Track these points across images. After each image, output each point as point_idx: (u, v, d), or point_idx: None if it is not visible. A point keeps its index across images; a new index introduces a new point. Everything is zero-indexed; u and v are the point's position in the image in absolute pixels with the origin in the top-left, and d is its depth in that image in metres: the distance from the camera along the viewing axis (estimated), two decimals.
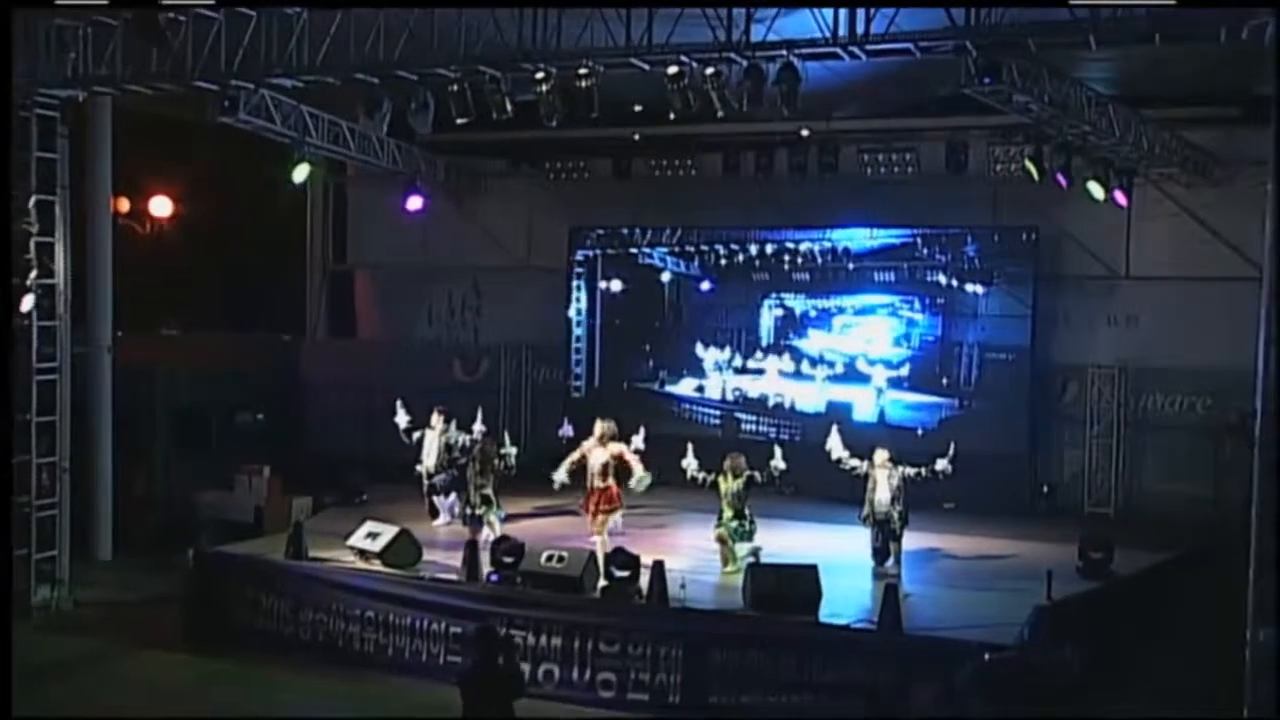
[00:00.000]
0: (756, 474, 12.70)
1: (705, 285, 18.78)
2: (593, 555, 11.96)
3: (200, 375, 19.18)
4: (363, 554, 12.66)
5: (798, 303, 18.28)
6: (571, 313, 19.01)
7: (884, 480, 12.97)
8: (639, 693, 11.16)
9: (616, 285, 19.14)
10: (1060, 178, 14.69)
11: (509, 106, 12.26)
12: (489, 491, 13.55)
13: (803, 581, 11.30)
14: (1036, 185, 15.92)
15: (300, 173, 14.67)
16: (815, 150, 17.15)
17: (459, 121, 12.22)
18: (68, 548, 14.24)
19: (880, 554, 12.98)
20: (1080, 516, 16.32)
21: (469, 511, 13.57)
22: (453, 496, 14.57)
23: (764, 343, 18.50)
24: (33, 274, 13.51)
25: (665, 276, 18.95)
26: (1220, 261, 15.77)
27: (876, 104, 16.46)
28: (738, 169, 17.64)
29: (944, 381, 17.46)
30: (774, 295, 18.40)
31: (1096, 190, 14.95)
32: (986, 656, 9.81)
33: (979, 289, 17.06)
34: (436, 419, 14.75)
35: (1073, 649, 11.23)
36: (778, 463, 12.73)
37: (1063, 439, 17.25)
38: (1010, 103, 12.35)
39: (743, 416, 18.36)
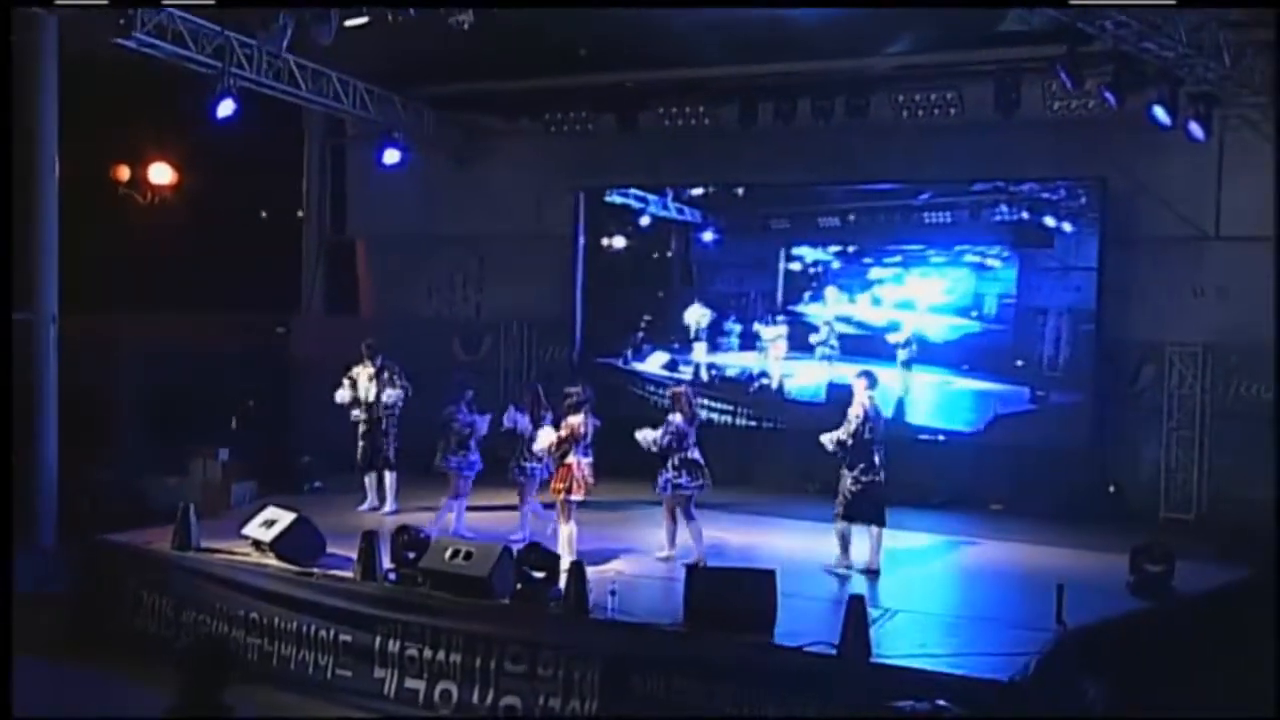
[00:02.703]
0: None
1: (713, 241, 16.52)
2: (507, 552, 9.82)
3: (178, 354, 17.65)
4: (256, 545, 10.77)
5: (819, 259, 15.85)
6: (579, 282, 16.97)
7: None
8: None
9: (620, 242, 17.08)
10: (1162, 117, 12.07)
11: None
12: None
13: (752, 591, 9.02)
14: (1105, 128, 13.46)
15: (225, 108, 12.84)
16: (843, 94, 14.80)
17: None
18: None
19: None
20: (1153, 522, 13.64)
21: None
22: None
23: (764, 311, 16.15)
24: None
25: (673, 234, 16.80)
26: None
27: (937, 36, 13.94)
28: (755, 117, 15.33)
29: (1016, 364, 14.62)
30: (794, 257, 16.02)
31: (1161, 115, 12.26)
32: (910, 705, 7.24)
33: (1035, 251, 14.46)
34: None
35: (1097, 684, 8.71)
36: None
37: (1135, 431, 14.51)
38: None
39: (715, 402, 16.01)
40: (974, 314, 14.95)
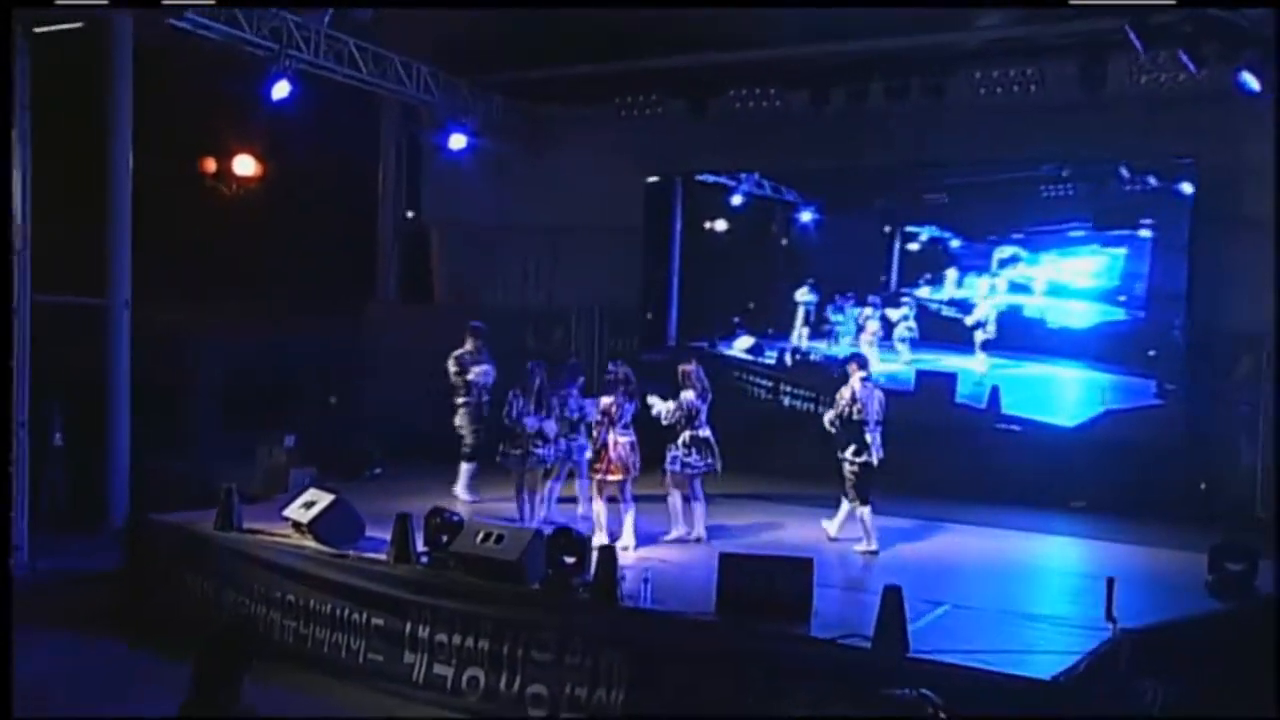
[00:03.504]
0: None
1: (813, 222, 16.02)
2: (539, 536, 9.51)
3: (255, 342, 17.76)
4: (296, 526, 10.63)
5: (937, 238, 15.27)
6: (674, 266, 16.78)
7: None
8: (573, 713, 8.67)
9: (719, 225, 16.76)
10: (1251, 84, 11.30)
11: None
12: None
13: (787, 580, 8.57)
14: (1198, 102, 12.67)
15: (280, 90, 12.76)
16: (919, 74, 14.22)
17: None
18: (25, 511, 12.78)
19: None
20: (1247, 522, 12.77)
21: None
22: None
23: (868, 295, 15.61)
24: None
25: (770, 215, 16.40)
26: None
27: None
28: (829, 99, 14.82)
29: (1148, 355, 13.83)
30: (910, 236, 15.46)
31: (1251, 81, 11.45)
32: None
33: (1126, 233, 13.70)
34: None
35: (1160, 685, 8.06)
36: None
37: (1230, 426, 13.63)
38: None
39: (796, 388, 15.50)
40: (1109, 299, 14.18)
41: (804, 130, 15.27)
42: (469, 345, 13.49)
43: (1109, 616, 7.75)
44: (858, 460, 10.86)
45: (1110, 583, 7.84)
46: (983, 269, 14.92)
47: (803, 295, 16.04)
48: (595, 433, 10.91)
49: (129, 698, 9.19)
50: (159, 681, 9.50)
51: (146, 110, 15.18)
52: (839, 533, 11.27)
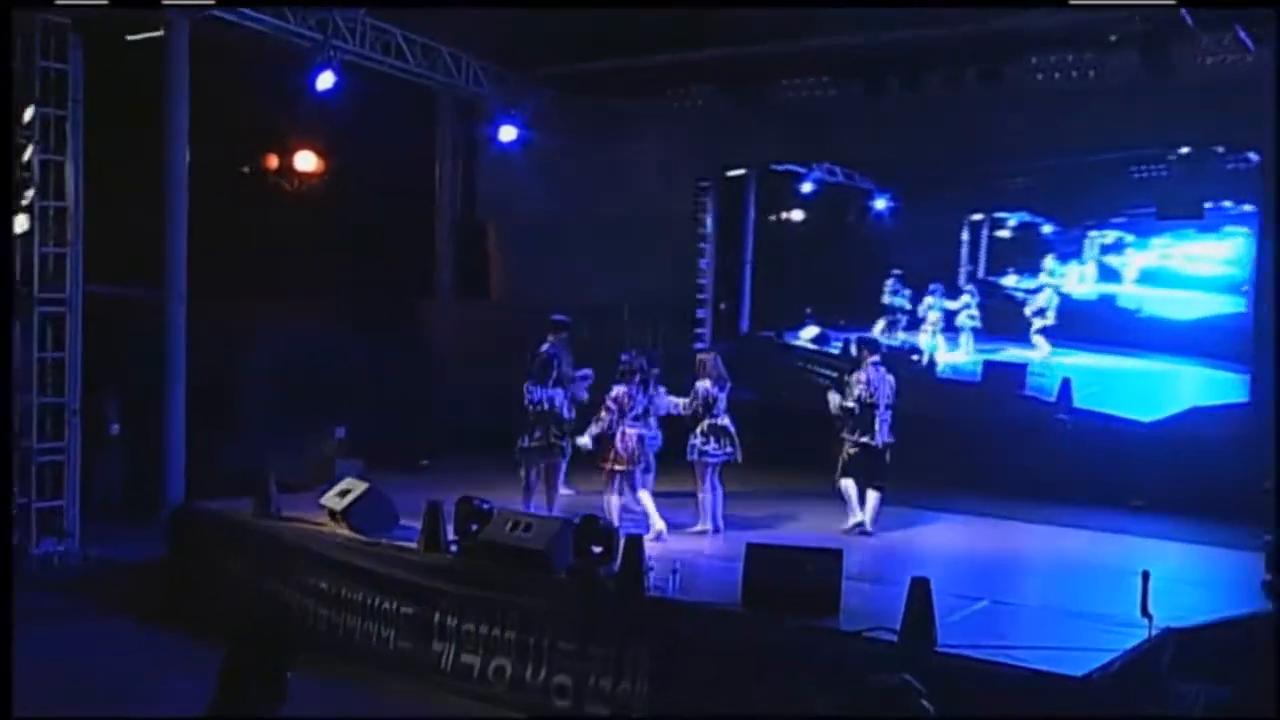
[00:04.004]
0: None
1: (888, 210, 15.74)
2: (567, 524, 9.40)
3: (315, 336, 17.85)
4: (331, 514, 10.62)
5: (1026, 224, 14.90)
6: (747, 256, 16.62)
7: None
8: (597, 704, 8.52)
9: (797, 215, 16.57)
10: None
11: None
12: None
13: (816, 572, 8.35)
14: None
15: (325, 80, 12.79)
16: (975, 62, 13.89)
17: None
18: (77, 499, 12.95)
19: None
20: None
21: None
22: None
23: (946, 283, 15.24)
24: (30, 192, 12.29)
25: (845, 203, 16.18)
26: None
27: None
28: (883, 88, 14.53)
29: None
30: (999, 223, 15.09)
31: None
32: None
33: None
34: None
35: (1203, 687, 7.69)
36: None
37: None
38: None
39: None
40: (1233, 288, 13.68)
41: (858, 118, 15.03)
42: (551, 340, 12.85)
43: (1144, 612, 7.42)
44: (860, 441, 11.01)
45: (1145, 576, 7.50)
46: (1075, 255, 14.46)
47: (892, 295, 15.78)
48: (605, 423, 10.74)
49: (164, 684, 9.19)
50: (195, 668, 9.57)
51: (212, 106, 15.36)
52: (872, 523, 11.14)
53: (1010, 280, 15.10)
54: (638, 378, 10.85)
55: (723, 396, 11.11)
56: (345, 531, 10.35)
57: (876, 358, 11.19)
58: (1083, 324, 14.47)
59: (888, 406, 11.09)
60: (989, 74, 13.76)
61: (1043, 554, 11.03)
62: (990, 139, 14.50)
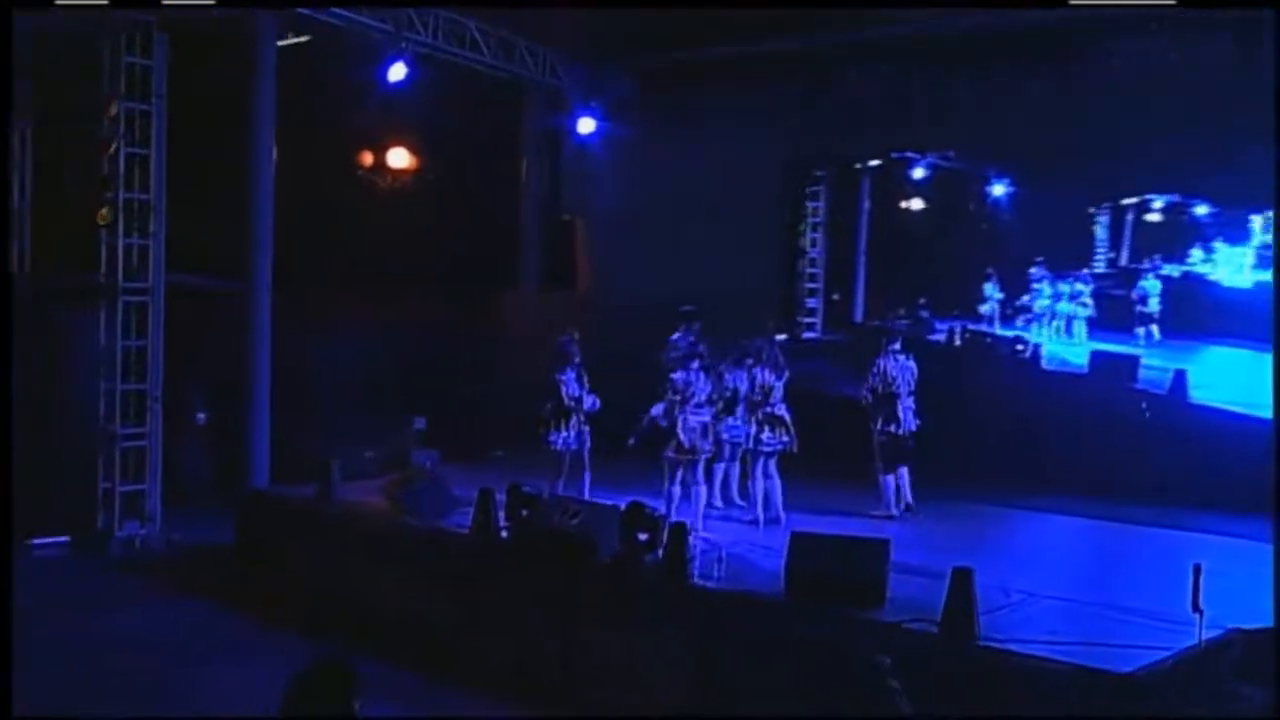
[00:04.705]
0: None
1: (1006, 195, 15.34)
2: (613, 512, 9.31)
3: (402, 329, 18.11)
4: (391, 500, 10.73)
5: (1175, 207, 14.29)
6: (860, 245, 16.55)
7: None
8: (635, 692, 8.40)
9: (917, 204, 16.67)
10: None
11: None
12: None
13: (861, 562, 8.14)
14: None
15: (397, 72, 12.92)
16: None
17: None
18: (158, 483, 13.28)
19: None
20: None
21: None
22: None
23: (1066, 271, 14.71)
24: (117, 185, 12.65)
25: (961, 191, 15.88)
26: None
27: None
28: (961, 73, 14.17)
29: None
30: (1147, 206, 14.56)
31: None
32: None
33: None
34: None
35: (1262, 692, 7.28)
36: None
37: None
38: None
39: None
40: None
41: (931, 105, 14.66)
42: (682, 330, 12.69)
43: (1194, 607, 7.04)
44: (886, 430, 11.14)
45: (1197, 571, 7.12)
46: (1239, 239, 13.78)
47: (1000, 283, 15.42)
48: (670, 411, 10.53)
49: (210, 667, 9.43)
50: (253, 647, 9.81)
51: (308, 103, 15.65)
52: (887, 510, 11.22)
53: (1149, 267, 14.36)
54: (697, 363, 10.61)
55: (779, 385, 10.94)
56: (402, 517, 10.42)
57: (895, 345, 11.38)
58: (1232, 315, 13.60)
59: (909, 393, 11.25)
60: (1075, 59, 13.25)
61: (1122, 553, 10.58)
62: (1129, 113, 13.86)
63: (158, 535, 13.16)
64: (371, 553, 10.37)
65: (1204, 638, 7.10)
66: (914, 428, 11.23)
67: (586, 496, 10.57)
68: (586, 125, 15.61)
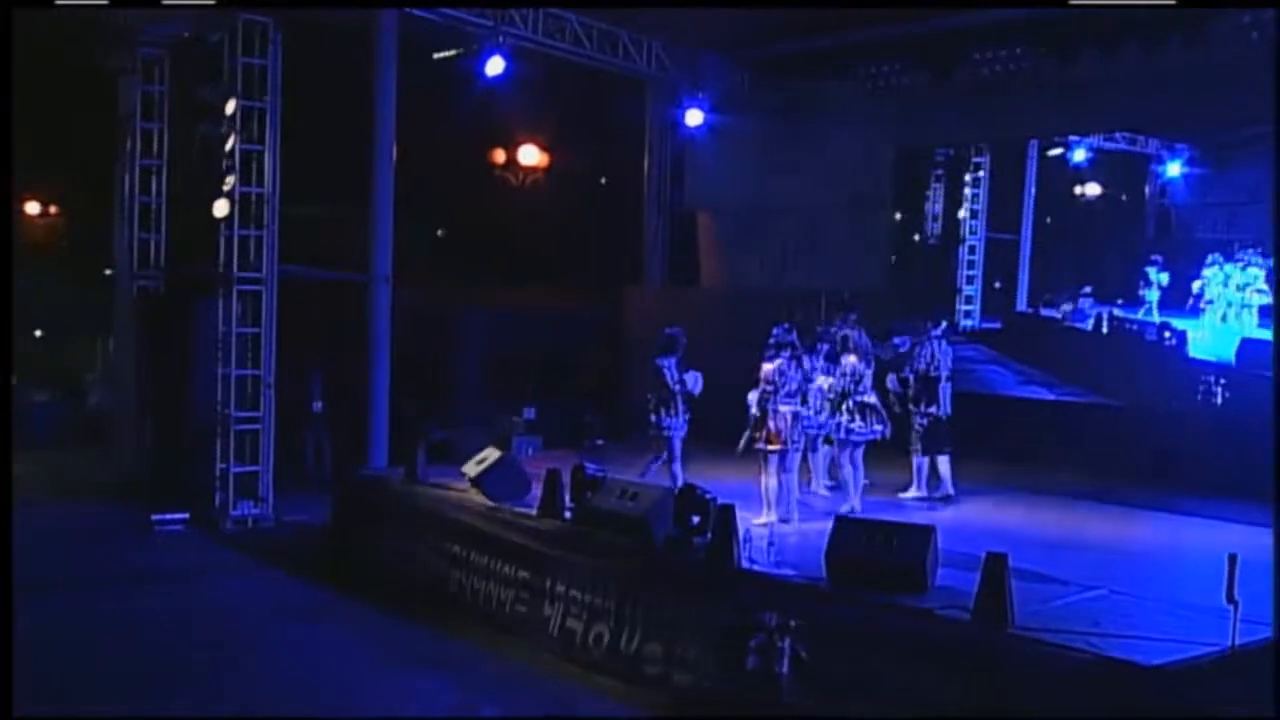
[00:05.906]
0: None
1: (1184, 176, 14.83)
2: (668, 494, 9.32)
3: (526, 321, 18.51)
4: (471, 482, 10.96)
5: None
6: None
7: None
8: (683, 673, 8.41)
9: (1094, 190, 16.08)
10: None
11: None
12: None
13: (903, 548, 7.96)
14: None
15: (494, 66, 13.17)
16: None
17: None
18: (271, 466, 13.86)
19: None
20: None
21: None
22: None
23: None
24: (232, 179, 13.27)
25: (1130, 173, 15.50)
26: None
27: None
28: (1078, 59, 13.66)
29: None
30: None
31: None
32: None
33: None
34: None
35: None
36: None
37: None
38: None
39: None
40: None
41: (1047, 89, 14.19)
42: (840, 320, 12.45)
43: (1229, 599, 6.64)
44: (928, 412, 11.27)
45: (1232, 561, 6.70)
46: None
47: (1156, 275, 14.88)
48: (761, 400, 10.44)
49: (290, 624, 9.97)
50: (320, 614, 10.24)
51: (445, 103, 16.13)
52: (917, 490, 11.42)
53: None
54: (789, 353, 10.51)
55: (869, 373, 10.86)
56: (477, 498, 10.65)
57: (938, 330, 11.55)
58: None
59: (948, 379, 11.44)
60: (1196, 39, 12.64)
61: (1213, 551, 10.00)
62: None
63: (270, 515, 13.76)
64: (444, 530, 10.62)
65: (1238, 632, 6.68)
66: (950, 412, 11.31)
67: (681, 480, 10.66)
68: (694, 117, 15.59)
